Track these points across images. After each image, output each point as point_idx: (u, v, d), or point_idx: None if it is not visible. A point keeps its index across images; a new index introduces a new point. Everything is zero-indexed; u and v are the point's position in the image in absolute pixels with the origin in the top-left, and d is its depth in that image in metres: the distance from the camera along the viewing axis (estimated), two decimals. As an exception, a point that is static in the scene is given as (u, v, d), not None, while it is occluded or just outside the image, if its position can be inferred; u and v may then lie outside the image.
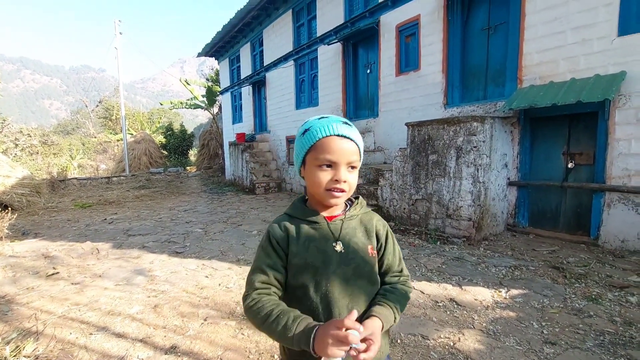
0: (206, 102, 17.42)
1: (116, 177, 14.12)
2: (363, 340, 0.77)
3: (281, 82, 10.37)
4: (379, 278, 0.99)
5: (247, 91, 12.68)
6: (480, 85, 5.40)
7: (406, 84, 6.33)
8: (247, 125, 12.93)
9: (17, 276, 3.66)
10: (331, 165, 0.88)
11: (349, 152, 0.88)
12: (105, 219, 6.90)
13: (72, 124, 41.33)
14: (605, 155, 3.88)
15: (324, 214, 0.96)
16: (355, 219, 0.99)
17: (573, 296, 2.75)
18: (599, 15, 3.83)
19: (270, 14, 10.36)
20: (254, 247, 4.52)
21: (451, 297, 2.84)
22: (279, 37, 10.18)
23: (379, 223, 1.02)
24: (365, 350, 0.76)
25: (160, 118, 27.41)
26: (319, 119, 0.92)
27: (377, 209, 5.40)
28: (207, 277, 3.50)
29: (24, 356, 2.13)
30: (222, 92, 15.06)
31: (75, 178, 13.10)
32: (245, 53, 12.51)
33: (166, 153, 21.54)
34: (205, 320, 2.58)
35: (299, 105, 9.81)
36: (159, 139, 22.50)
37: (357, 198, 1.03)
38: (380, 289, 0.98)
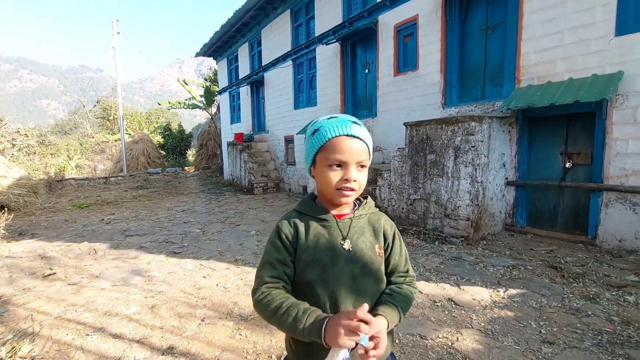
0: (204, 102, 17.38)
1: (114, 177, 14.08)
2: (370, 339, 0.78)
3: (279, 82, 10.36)
4: (385, 277, 1.00)
5: (245, 91, 12.66)
6: (478, 85, 5.41)
7: (404, 84, 6.33)
8: (245, 125, 12.91)
9: (13, 277, 3.64)
10: (341, 164, 0.89)
11: (359, 152, 0.89)
12: (103, 220, 6.88)
13: (69, 124, 41.25)
14: (603, 155, 3.89)
15: (333, 212, 0.97)
16: (364, 218, 1.00)
17: (571, 296, 2.76)
18: (597, 15, 3.84)
19: (268, 14, 10.36)
20: (252, 248, 4.51)
21: (449, 296, 2.84)
22: (277, 37, 10.17)
23: (386, 223, 1.03)
24: (374, 348, 0.77)
25: (158, 118, 27.31)
26: (329, 118, 0.92)
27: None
28: (204, 277, 3.49)
29: (20, 357, 2.12)
30: (220, 92, 15.04)
31: (73, 178, 13.06)
32: (243, 53, 12.49)
33: (164, 153, 21.46)
34: (202, 320, 2.57)
35: (297, 105, 9.81)
36: (157, 139, 22.42)
37: (365, 197, 1.04)
38: (386, 289, 0.98)
